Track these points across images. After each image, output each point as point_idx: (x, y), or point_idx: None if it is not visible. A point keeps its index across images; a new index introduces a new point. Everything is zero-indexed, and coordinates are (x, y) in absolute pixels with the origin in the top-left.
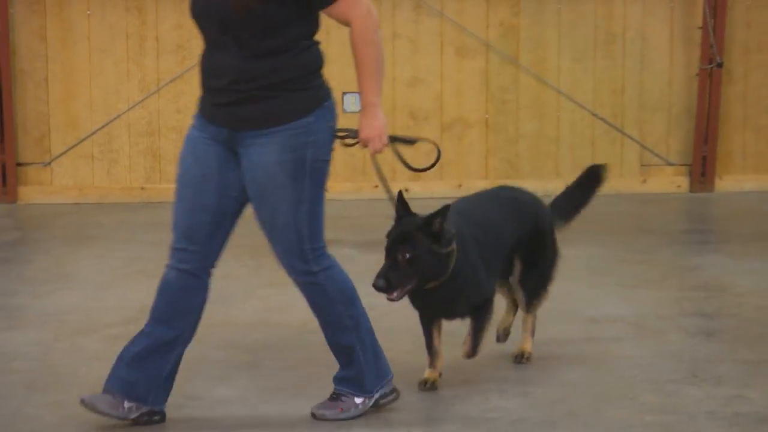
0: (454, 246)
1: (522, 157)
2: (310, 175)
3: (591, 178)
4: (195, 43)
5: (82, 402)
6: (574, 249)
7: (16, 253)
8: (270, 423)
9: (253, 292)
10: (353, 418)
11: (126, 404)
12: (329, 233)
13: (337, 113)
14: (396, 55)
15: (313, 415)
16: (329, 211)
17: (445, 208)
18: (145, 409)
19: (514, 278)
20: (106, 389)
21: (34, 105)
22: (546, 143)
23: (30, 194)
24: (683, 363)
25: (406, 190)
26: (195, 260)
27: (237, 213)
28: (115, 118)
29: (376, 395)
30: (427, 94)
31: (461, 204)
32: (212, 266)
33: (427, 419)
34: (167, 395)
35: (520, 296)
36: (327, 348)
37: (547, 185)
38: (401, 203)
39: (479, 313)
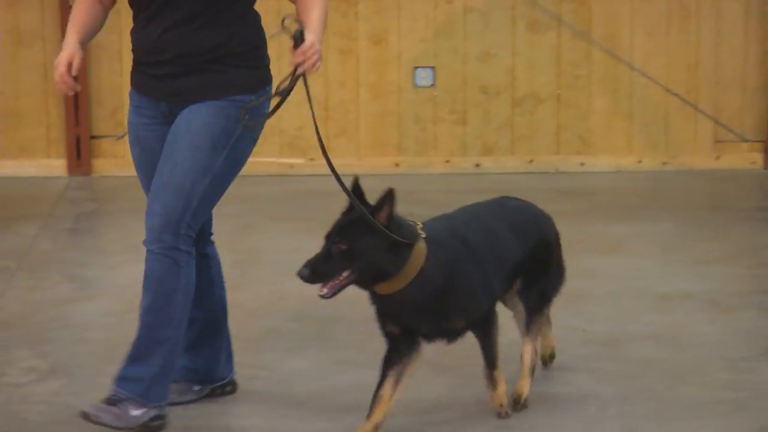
0: (420, 245)
1: (594, 133)
2: (231, 151)
3: None
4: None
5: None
6: (646, 225)
7: (91, 225)
8: (341, 394)
9: None
10: (130, 429)
11: (194, 387)
12: (400, 207)
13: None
14: (467, 30)
15: (86, 415)
16: (400, 185)
17: (390, 194)
18: (216, 384)
19: (513, 293)
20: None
21: (109, 78)
22: (618, 119)
23: (103, 167)
24: (757, 340)
25: (477, 165)
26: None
27: None
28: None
29: (154, 412)
30: (499, 69)
31: (462, 212)
32: (209, 234)
33: None
34: (231, 364)
35: (519, 312)
36: None
37: (619, 161)
38: (355, 190)
39: (482, 328)
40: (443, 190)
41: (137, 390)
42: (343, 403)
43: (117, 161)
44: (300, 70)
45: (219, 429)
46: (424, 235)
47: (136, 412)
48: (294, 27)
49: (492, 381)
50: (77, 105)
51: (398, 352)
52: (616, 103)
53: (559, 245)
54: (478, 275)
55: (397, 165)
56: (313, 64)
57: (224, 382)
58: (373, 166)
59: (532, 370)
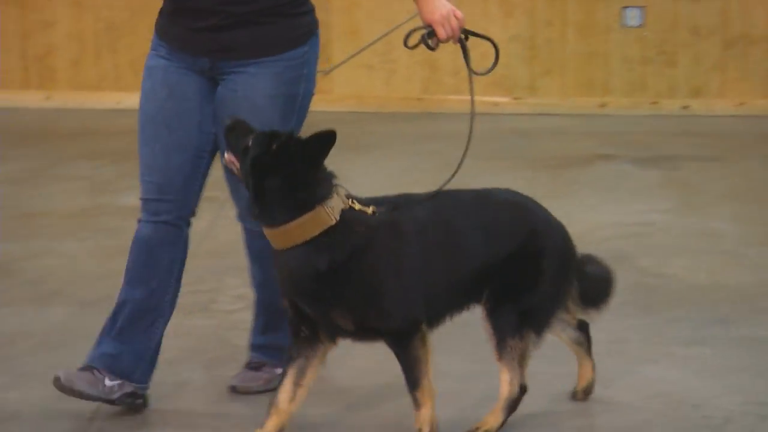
0: (328, 209)
1: None
2: (298, 112)
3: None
4: None
5: (56, 382)
6: None
7: None
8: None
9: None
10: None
11: (108, 382)
12: (605, 148)
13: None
14: None
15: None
16: (606, 126)
17: (327, 137)
18: (128, 389)
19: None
20: (85, 366)
21: (317, 15)
22: None
23: (312, 103)
24: None
25: (685, 108)
26: (172, 210)
27: (214, 152)
28: (394, 29)
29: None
30: (711, 9)
31: (435, 200)
32: (191, 214)
33: None
34: (151, 373)
35: (488, 332)
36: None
37: None
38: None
39: (396, 342)
40: (650, 132)
41: (276, 356)
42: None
43: (324, 96)
44: (443, 40)
45: None
46: (354, 207)
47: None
48: (417, 38)
49: (414, 401)
50: None
51: (298, 343)
52: None
53: (562, 259)
54: (398, 278)
55: (602, 106)
56: (450, 29)
57: (139, 391)
58: (578, 107)
59: (508, 405)
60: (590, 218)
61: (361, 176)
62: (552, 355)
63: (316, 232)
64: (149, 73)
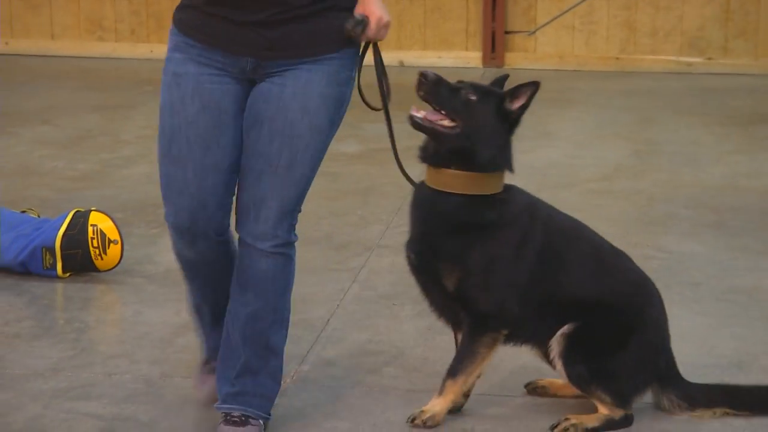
0: (502, 179)
1: None
2: (340, 119)
3: None
4: None
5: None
6: None
7: None
8: (734, 277)
9: (720, 157)
10: None
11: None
12: None
13: None
14: None
15: None
16: None
17: (533, 86)
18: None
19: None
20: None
21: None
22: None
23: (515, 60)
24: None
25: None
26: (209, 235)
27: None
28: None
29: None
30: None
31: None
32: (228, 228)
33: None
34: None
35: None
36: None
37: None
38: (498, 83)
39: (472, 323)
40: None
41: (260, 406)
42: (737, 286)
43: (527, 55)
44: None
45: None
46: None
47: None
48: (351, 22)
49: (441, 387)
50: (495, 2)
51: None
52: None
53: (649, 330)
54: (514, 266)
55: None
56: (384, 36)
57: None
58: None
59: (607, 420)
60: None
61: (562, 129)
62: None
63: (485, 192)
64: (176, 81)
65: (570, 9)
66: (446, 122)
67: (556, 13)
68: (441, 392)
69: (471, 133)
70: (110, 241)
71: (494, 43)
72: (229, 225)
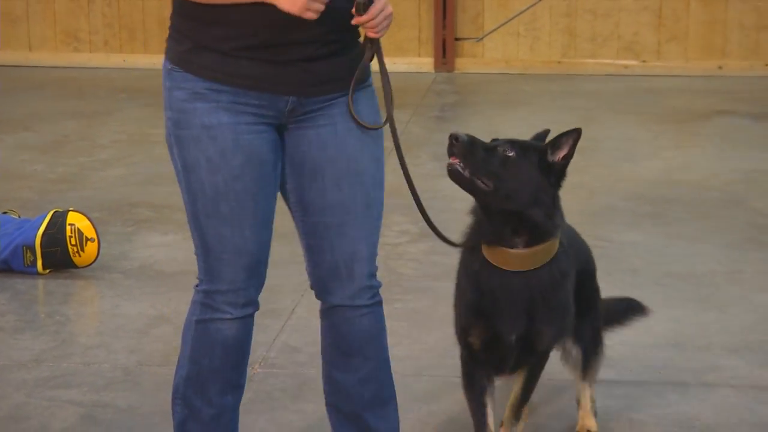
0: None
1: None
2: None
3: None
4: None
5: None
6: None
7: (455, 114)
8: (670, 264)
9: (656, 153)
10: None
11: None
12: (723, 105)
13: None
14: None
15: None
16: (723, 86)
17: (576, 134)
18: None
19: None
20: None
21: None
22: None
23: (465, 65)
24: None
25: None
26: (257, 292)
27: None
28: (538, 1)
29: None
30: None
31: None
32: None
33: None
34: None
35: (575, 358)
36: (726, 204)
37: None
38: (540, 137)
39: (542, 363)
40: (764, 91)
41: None
42: (672, 271)
43: (476, 60)
44: (371, 34)
45: None
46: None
47: None
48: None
49: (516, 416)
50: (445, 10)
51: (486, 371)
52: None
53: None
54: (571, 294)
55: (720, 68)
56: (385, 29)
57: None
58: (699, 68)
59: (594, 408)
60: (710, 166)
61: (510, 129)
62: None
63: (548, 259)
64: (209, 135)
65: (515, 17)
66: (481, 183)
67: (502, 20)
68: (520, 418)
69: (515, 195)
70: (87, 239)
71: (445, 50)
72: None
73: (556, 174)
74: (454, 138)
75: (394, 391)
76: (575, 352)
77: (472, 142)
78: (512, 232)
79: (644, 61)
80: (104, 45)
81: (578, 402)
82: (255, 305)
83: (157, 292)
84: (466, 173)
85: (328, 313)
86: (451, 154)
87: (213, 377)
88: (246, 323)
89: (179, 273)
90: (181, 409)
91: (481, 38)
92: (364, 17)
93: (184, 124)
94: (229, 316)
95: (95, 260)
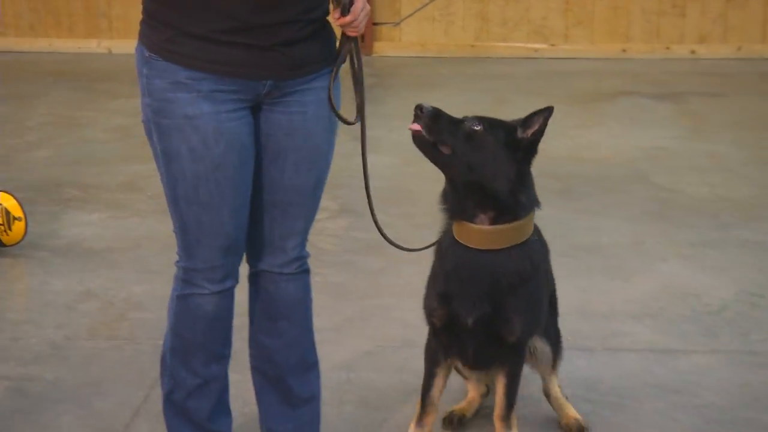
0: (532, 216)
1: None
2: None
3: None
4: None
5: None
6: None
7: (373, 95)
8: (579, 236)
9: (565, 132)
10: None
11: None
12: (627, 86)
13: None
14: None
15: None
16: (627, 68)
17: (548, 112)
18: None
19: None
20: None
21: None
22: None
23: (383, 48)
24: None
25: (693, 52)
26: (236, 269)
27: None
28: None
29: None
30: None
31: None
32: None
33: None
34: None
35: (544, 354)
36: (629, 179)
37: None
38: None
39: (519, 355)
40: (664, 73)
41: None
42: (579, 243)
43: (393, 44)
44: (352, 33)
45: None
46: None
47: None
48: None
49: (507, 424)
50: None
51: (442, 353)
52: None
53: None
54: (546, 289)
55: (624, 51)
56: (363, 27)
57: None
58: (604, 51)
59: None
60: (615, 144)
61: None
62: None
63: (522, 240)
64: (191, 125)
65: (430, 2)
66: (447, 155)
67: (418, 6)
68: (510, 426)
69: (477, 168)
70: (14, 218)
71: (363, 34)
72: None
73: (525, 150)
74: (419, 109)
75: (317, 357)
76: (545, 348)
77: (437, 113)
78: (475, 205)
79: (553, 45)
80: (30, 29)
81: (548, 395)
82: (234, 279)
83: (84, 269)
84: (430, 139)
85: (255, 277)
86: (422, 115)
87: (196, 349)
88: (225, 297)
89: (106, 250)
90: (168, 380)
91: (398, 23)
92: (348, 18)
93: (167, 114)
94: (207, 291)
95: (23, 239)
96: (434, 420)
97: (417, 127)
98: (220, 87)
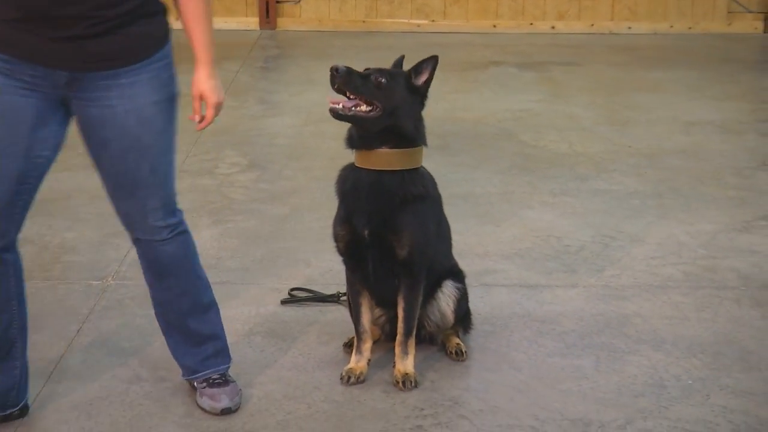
0: (422, 150)
1: (639, 5)
2: (176, 113)
3: None
4: None
5: None
6: (676, 72)
7: (277, 65)
8: (454, 186)
9: (443, 96)
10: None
11: None
12: (497, 57)
13: None
14: None
15: (230, 410)
16: (497, 41)
17: (433, 60)
18: (8, 411)
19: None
20: None
21: None
22: None
23: (285, 24)
24: (757, 155)
25: (553, 27)
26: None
27: (43, 174)
28: None
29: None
30: None
31: None
32: (15, 241)
33: None
34: (27, 389)
35: (451, 298)
36: (499, 137)
37: (656, 26)
38: (398, 63)
39: (414, 279)
40: (528, 45)
41: (225, 360)
42: (456, 193)
43: (294, 20)
44: (199, 128)
45: None
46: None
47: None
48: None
49: (403, 350)
50: None
51: (357, 281)
52: None
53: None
54: (437, 227)
55: (494, 26)
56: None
57: (19, 406)
58: (477, 27)
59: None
60: (487, 106)
61: (323, 78)
62: None
63: (417, 165)
64: None
65: None
66: (364, 107)
67: None
68: (407, 352)
69: (392, 112)
70: None
71: (268, 11)
72: (13, 241)
73: (420, 94)
74: (334, 70)
75: (213, 297)
76: (453, 291)
77: (350, 71)
78: (382, 141)
79: (433, 21)
80: None
81: (445, 342)
82: (7, 250)
83: None
84: (347, 109)
85: (136, 243)
86: (333, 84)
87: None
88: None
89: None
90: None
91: (299, 1)
92: (204, 123)
93: None
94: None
95: None
96: (371, 346)
97: (335, 103)
98: (15, 68)
